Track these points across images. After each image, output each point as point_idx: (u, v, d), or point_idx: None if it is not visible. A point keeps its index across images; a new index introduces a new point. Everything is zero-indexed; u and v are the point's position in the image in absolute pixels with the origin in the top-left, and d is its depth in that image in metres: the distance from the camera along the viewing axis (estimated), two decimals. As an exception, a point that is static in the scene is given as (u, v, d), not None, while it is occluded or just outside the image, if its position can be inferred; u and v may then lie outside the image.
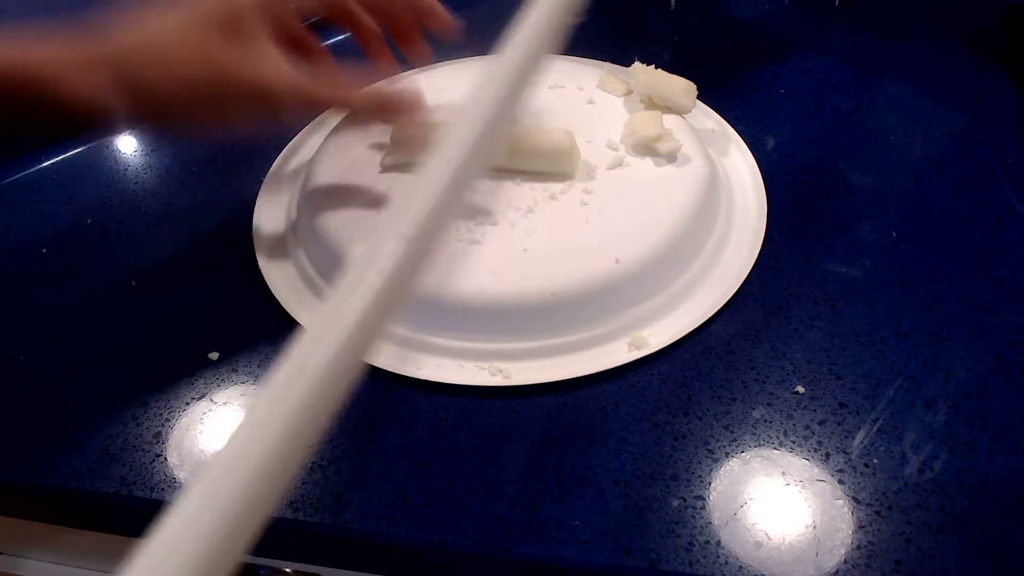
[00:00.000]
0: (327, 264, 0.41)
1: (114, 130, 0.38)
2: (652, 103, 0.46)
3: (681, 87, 0.46)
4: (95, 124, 0.37)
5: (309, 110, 0.39)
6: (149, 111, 0.36)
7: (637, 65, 0.47)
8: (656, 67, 0.47)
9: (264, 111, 0.38)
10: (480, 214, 0.40)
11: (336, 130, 0.46)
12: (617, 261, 0.38)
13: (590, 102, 0.47)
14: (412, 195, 0.28)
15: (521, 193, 0.42)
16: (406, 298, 0.27)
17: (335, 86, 0.39)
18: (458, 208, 0.31)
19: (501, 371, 0.37)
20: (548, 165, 0.42)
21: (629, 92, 0.48)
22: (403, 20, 0.41)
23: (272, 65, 0.37)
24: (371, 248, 0.26)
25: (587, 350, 0.38)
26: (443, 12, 0.41)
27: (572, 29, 0.39)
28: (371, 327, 0.25)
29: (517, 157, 0.42)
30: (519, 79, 0.35)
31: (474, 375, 0.37)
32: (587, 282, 0.38)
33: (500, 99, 0.33)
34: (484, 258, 0.39)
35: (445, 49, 0.57)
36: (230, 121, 0.38)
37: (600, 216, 0.40)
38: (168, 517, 0.20)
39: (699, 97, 0.48)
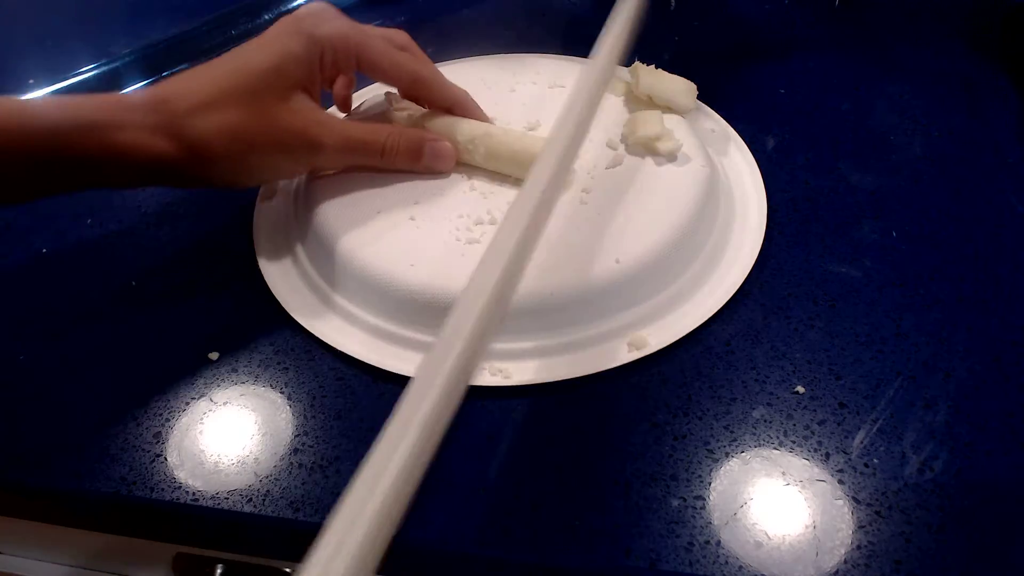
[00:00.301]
0: (327, 263, 0.41)
1: (171, 185, 0.40)
2: (652, 103, 0.46)
3: (681, 87, 0.46)
4: (151, 174, 0.38)
5: (353, 156, 0.41)
6: (199, 160, 0.37)
7: (637, 65, 0.47)
8: (656, 67, 0.47)
9: (311, 159, 0.40)
10: (477, 214, 0.40)
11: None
12: (617, 261, 0.38)
13: (590, 102, 0.47)
14: (491, 249, 0.29)
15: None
16: (500, 325, 0.30)
17: (376, 132, 0.41)
18: (537, 240, 0.33)
19: (501, 371, 0.37)
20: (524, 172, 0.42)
21: (629, 91, 0.48)
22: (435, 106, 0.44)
23: (318, 115, 0.39)
24: (466, 290, 0.28)
25: (587, 350, 0.38)
26: (477, 110, 0.44)
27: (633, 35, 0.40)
28: (470, 362, 0.27)
29: (494, 161, 0.42)
30: (592, 103, 0.38)
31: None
32: (587, 282, 0.38)
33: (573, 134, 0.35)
34: None
35: (447, 49, 0.57)
36: (279, 170, 0.40)
37: (599, 216, 0.40)
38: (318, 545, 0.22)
39: (699, 97, 0.49)
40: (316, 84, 0.40)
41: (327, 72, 0.40)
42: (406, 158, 0.42)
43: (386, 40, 0.42)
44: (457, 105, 0.43)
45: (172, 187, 0.40)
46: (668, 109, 0.46)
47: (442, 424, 0.25)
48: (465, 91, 0.44)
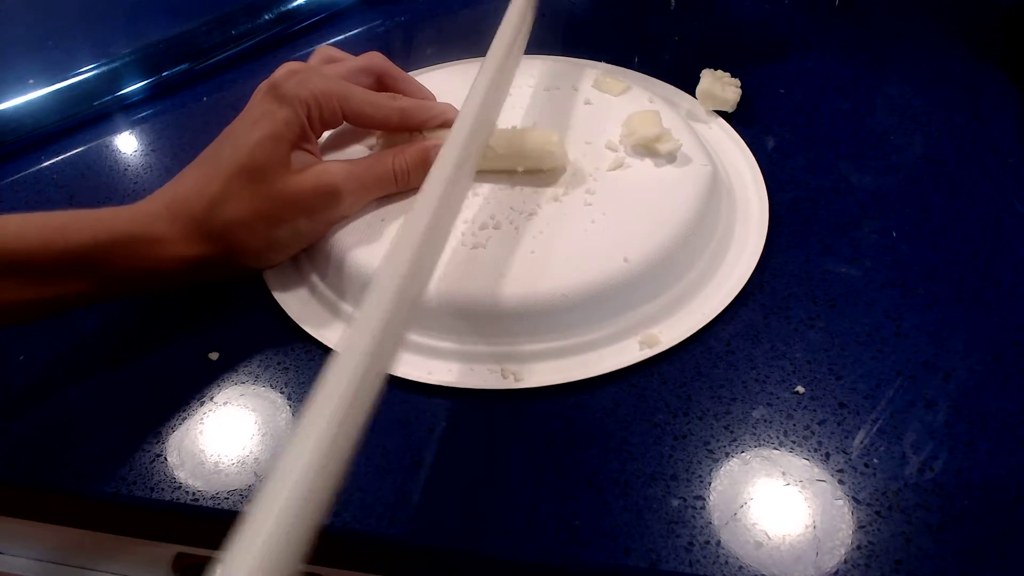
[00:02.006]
0: (331, 270, 0.41)
1: (206, 280, 0.40)
2: (714, 101, 0.50)
3: (732, 84, 0.50)
4: (189, 275, 0.39)
5: (369, 192, 0.41)
6: (230, 251, 0.38)
7: (706, 71, 0.50)
8: (714, 69, 0.51)
9: (332, 210, 0.40)
10: (481, 219, 0.40)
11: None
12: (626, 260, 0.38)
13: (586, 102, 0.47)
14: (406, 225, 0.30)
15: (522, 196, 0.41)
16: (416, 305, 0.30)
17: (381, 161, 0.41)
18: (450, 222, 0.34)
19: (513, 374, 0.37)
20: (533, 163, 0.42)
21: (625, 90, 0.48)
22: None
23: (323, 165, 0.39)
24: (380, 271, 0.28)
25: (599, 349, 0.38)
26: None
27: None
28: (389, 341, 0.27)
29: (492, 158, 0.42)
30: (497, 88, 0.39)
31: (485, 378, 0.37)
32: (597, 282, 0.38)
33: (479, 113, 0.37)
34: (491, 262, 0.38)
35: (444, 51, 0.57)
36: (303, 235, 0.40)
37: (605, 216, 0.40)
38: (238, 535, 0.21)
39: (698, 97, 0.49)
40: (312, 140, 0.40)
41: (317, 129, 0.40)
42: (418, 175, 0.41)
43: (365, 73, 0.42)
44: (446, 122, 0.43)
45: (207, 282, 0.41)
46: (722, 105, 0.50)
47: (362, 406, 0.26)
48: (449, 104, 0.43)
